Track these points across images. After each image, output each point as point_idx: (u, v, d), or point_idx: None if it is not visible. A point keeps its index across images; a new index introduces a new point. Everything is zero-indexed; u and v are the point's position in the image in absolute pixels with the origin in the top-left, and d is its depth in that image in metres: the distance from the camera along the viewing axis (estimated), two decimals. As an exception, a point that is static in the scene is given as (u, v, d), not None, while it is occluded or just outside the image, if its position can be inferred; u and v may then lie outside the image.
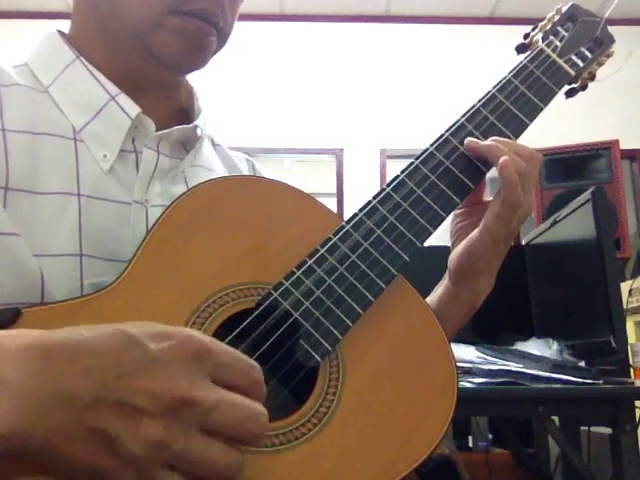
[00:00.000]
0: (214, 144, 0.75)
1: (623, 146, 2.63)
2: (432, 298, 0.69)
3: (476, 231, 0.63)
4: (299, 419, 0.47)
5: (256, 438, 0.38)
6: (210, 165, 0.69)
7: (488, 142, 0.61)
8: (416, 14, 4.45)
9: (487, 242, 0.62)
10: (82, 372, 0.35)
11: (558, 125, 3.08)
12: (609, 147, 2.57)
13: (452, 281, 0.67)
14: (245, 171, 0.76)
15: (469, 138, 0.62)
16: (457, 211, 0.69)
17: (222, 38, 0.62)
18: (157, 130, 0.61)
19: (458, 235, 0.67)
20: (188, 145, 0.65)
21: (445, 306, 0.67)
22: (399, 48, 4.42)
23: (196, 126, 0.65)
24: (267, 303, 0.51)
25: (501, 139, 0.62)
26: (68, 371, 0.35)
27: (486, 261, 0.64)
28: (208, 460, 0.37)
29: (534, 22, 0.75)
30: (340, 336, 0.51)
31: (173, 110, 0.67)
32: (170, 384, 0.36)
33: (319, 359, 0.50)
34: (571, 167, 2.61)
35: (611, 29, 0.73)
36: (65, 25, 0.65)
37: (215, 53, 0.63)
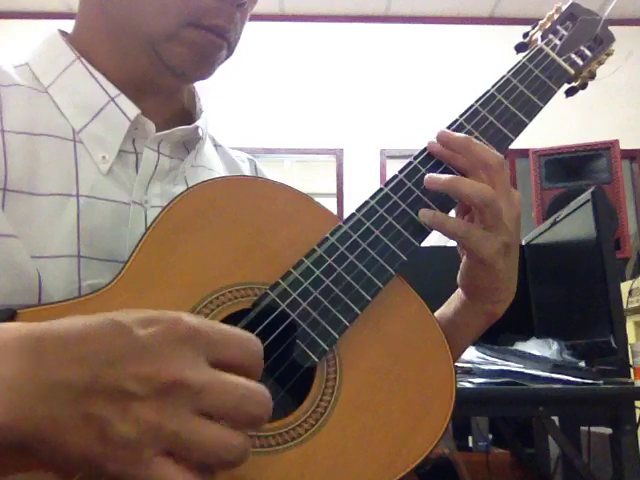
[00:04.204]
0: (215, 144, 0.74)
1: (623, 146, 2.64)
2: (447, 309, 0.67)
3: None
4: (296, 419, 0.47)
5: (256, 419, 0.36)
6: (211, 165, 0.69)
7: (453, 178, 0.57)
8: (416, 14, 4.46)
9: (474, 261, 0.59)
10: (73, 360, 0.35)
11: (558, 125, 3.08)
12: (609, 147, 2.57)
13: (465, 295, 0.64)
14: (247, 171, 0.75)
15: (429, 175, 0.58)
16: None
17: (230, 51, 0.63)
18: (158, 131, 0.60)
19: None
20: (189, 145, 0.65)
21: (461, 316, 0.65)
22: (399, 48, 4.42)
23: (197, 127, 0.65)
24: (264, 303, 0.51)
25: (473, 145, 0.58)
26: (59, 360, 0.35)
27: (488, 277, 0.60)
28: (203, 442, 0.35)
29: (534, 22, 0.75)
30: (337, 336, 0.51)
31: (175, 111, 0.67)
32: (158, 367, 0.35)
33: (316, 359, 0.49)
34: (571, 167, 2.61)
35: (611, 29, 0.73)
36: (64, 25, 0.65)
37: (221, 64, 0.64)
